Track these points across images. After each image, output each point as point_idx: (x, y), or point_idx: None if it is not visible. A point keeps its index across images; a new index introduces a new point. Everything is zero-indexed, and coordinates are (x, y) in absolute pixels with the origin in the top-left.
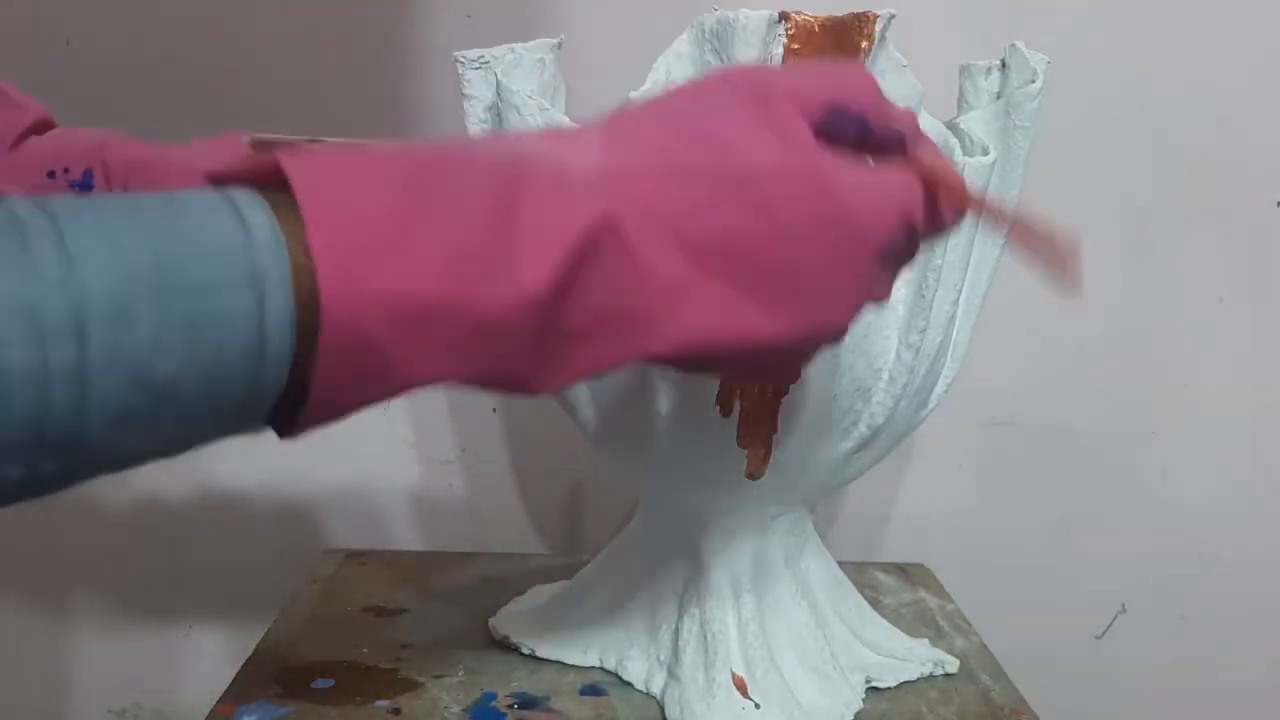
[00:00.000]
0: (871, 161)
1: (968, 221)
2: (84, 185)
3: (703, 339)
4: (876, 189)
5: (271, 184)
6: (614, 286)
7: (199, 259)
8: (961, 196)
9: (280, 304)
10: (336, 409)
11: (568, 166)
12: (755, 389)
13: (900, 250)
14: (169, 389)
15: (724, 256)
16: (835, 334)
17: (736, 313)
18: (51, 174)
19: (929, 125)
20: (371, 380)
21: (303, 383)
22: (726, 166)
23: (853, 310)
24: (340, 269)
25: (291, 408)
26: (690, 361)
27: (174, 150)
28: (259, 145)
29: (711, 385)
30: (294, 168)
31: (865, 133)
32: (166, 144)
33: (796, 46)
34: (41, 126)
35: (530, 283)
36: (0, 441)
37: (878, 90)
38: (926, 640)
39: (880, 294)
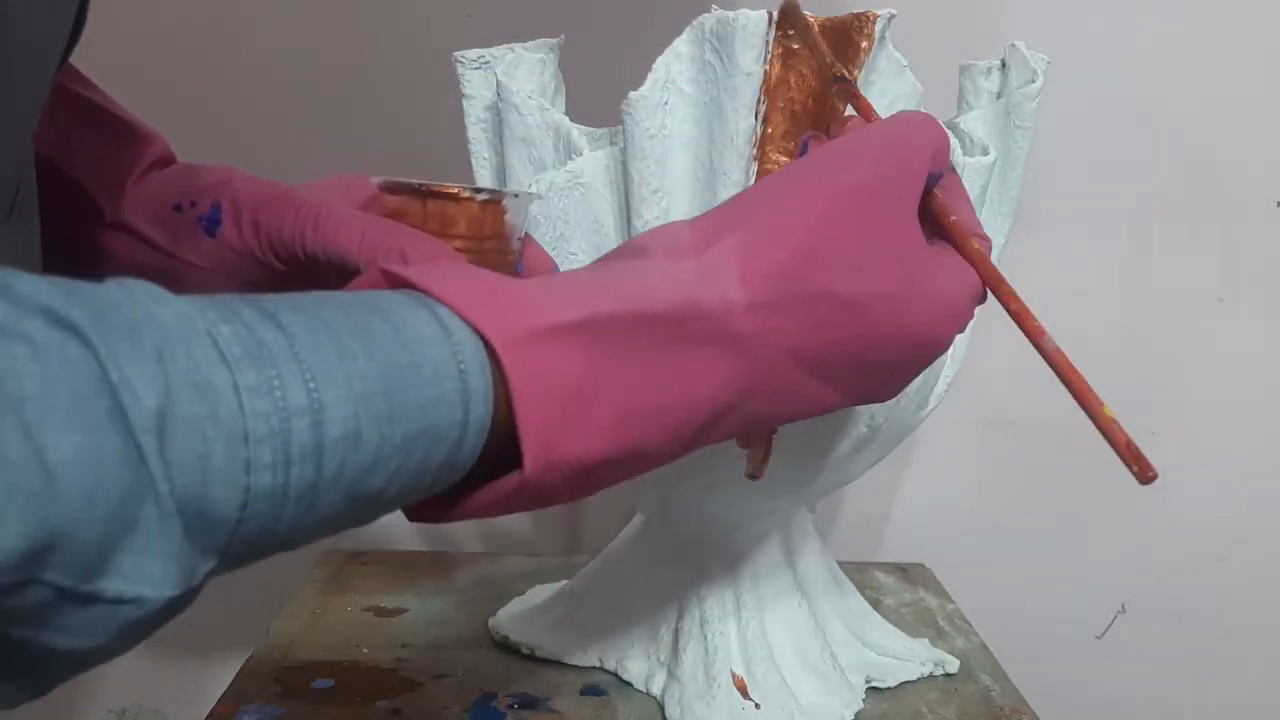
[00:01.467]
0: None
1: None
2: (212, 219)
3: (783, 419)
4: (951, 313)
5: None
6: (744, 411)
7: (419, 381)
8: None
9: (478, 424)
10: (482, 516)
11: (718, 311)
12: None
13: None
14: (374, 499)
15: (826, 363)
16: (886, 399)
17: (819, 397)
18: (178, 207)
19: None
20: (526, 507)
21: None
22: (849, 294)
23: (905, 384)
24: (537, 437)
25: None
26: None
27: (301, 188)
28: (391, 189)
29: None
30: (490, 323)
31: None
32: (292, 184)
33: (797, 47)
34: (166, 161)
35: (688, 431)
36: (215, 549)
37: (948, 149)
38: (926, 640)
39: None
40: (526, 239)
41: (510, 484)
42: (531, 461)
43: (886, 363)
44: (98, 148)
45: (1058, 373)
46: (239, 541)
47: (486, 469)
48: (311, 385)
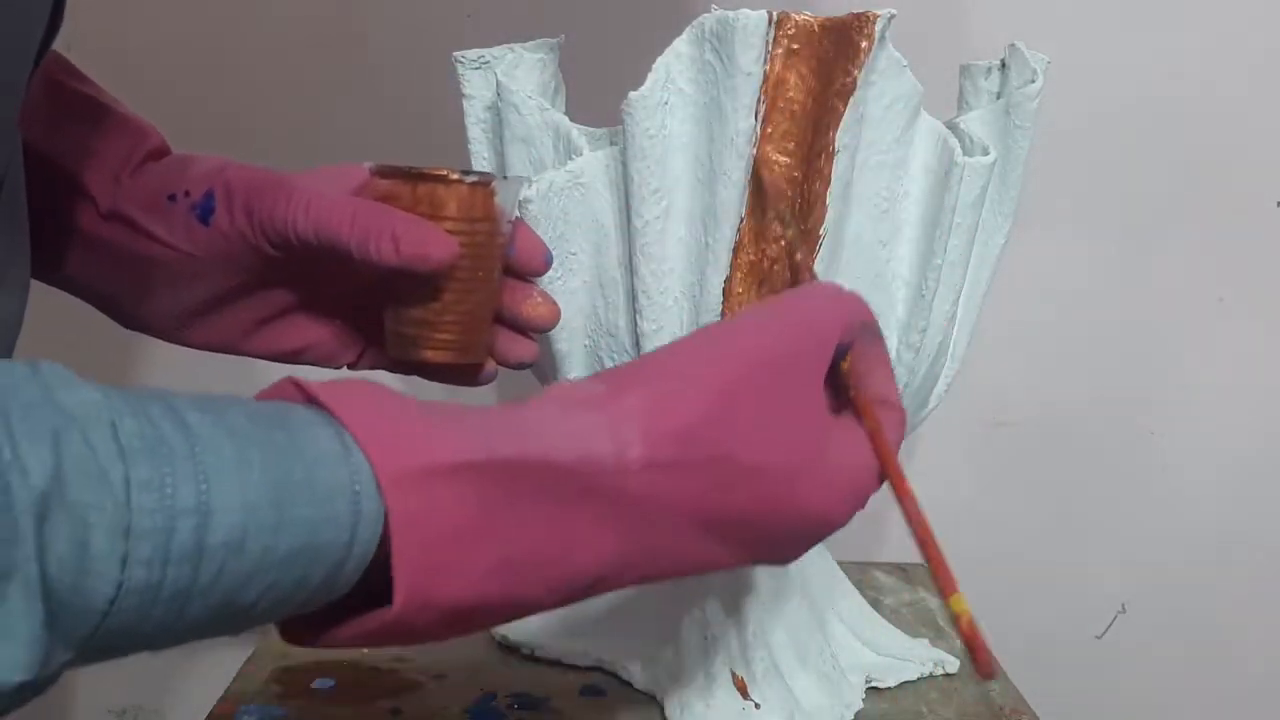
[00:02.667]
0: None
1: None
2: (205, 207)
3: (678, 576)
4: (846, 494)
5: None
6: (634, 572)
7: (311, 498)
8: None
9: (364, 549)
10: (352, 647)
11: (614, 468)
12: None
13: None
14: (245, 610)
15: (722, 526)
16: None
17: (715, 558)
18: (172, 197)
19: (929, 126)
20: (399, 643)
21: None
22: (751, 461)
23: (798, 555)
24: (412, 579)
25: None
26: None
27: (295, 177)
28: (382, 174)
29: None
30: (383, 455)
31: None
32: (286, 171)
33: (796, 47)
34: (160, 152)
35: (568, 589)
36: (76, 639)
37: (862, 317)
38: (926, 640)
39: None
40: (517, 222)
41: (380, 619)
42: (402, 601)
43: (782, 532)
44: (92, 140)
45: (921, 548)
46: (102, 635)
47: (365, 593)
48: (203, 488)
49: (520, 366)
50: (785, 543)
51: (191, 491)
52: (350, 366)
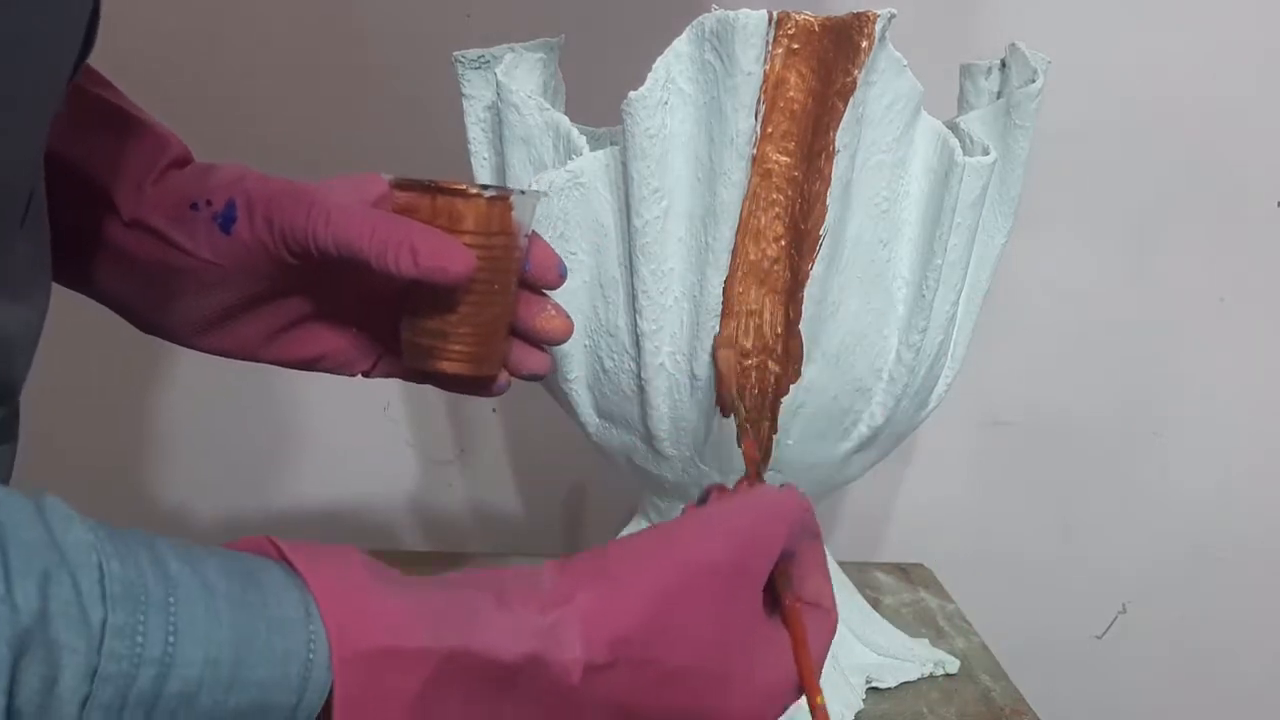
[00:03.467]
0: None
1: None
2: (227, 217)
3: None
4: (771, 701)
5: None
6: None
7: (269, 660)
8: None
9: (307, 713)
10: None
11: (558, 670)
12: (755, 390)
13: None
14: None
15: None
16: None
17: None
18: (194, 206)
19: (929, 126)
20: None
21: None
22: (677, 665)
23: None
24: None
25: None
26: None
27: (315, 187)
28: (401, 186)
29: (711, 386)
30: (339, 629)
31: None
32: (305, 181)
33: (796, 47)
34: (182, 161)
35: None
36: None
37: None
38: (927, 640)
39: None
40: (533, 236)
41: None
42: None
43: None
44: (116, 148)
45: None
46: None
47: None
48: (171, 640)
49: (532, 378)
50: None
51: (160, 641)
52: (365, 375)
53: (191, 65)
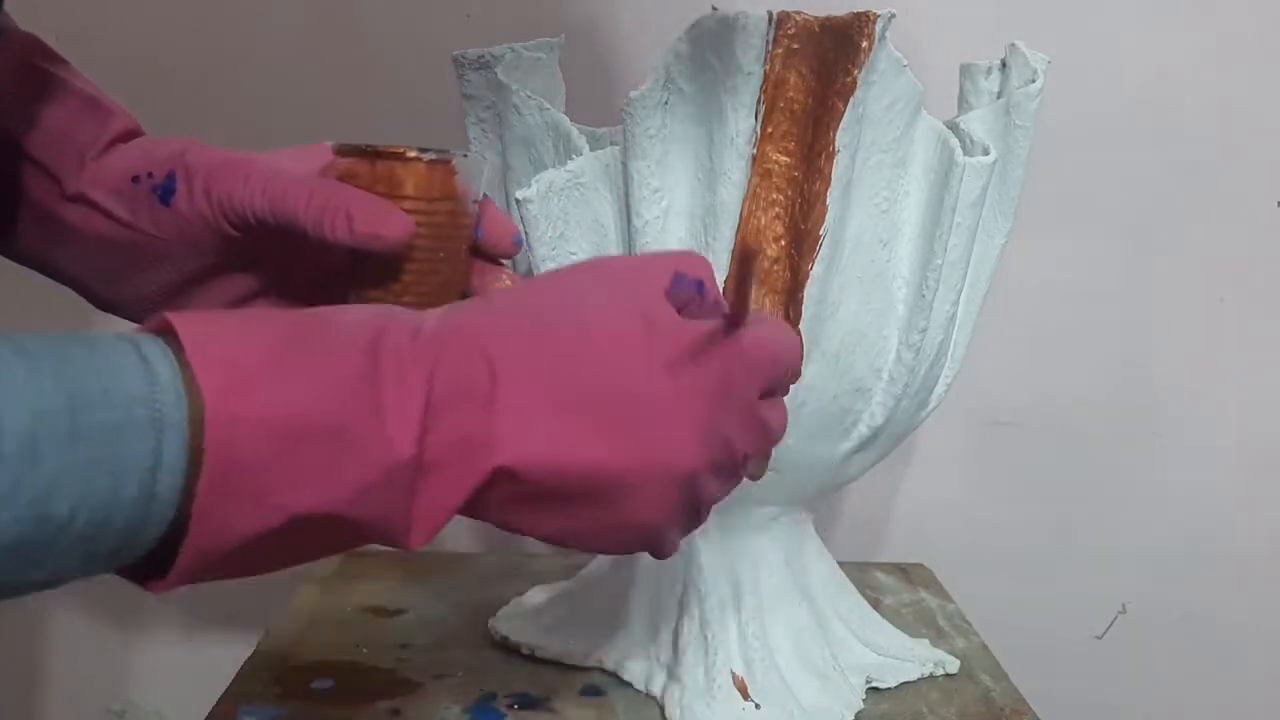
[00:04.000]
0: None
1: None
2: (166, 188)
3: (552, 461)
4: (699, 354)
5: (174, 340)
6: (470, 415)
7: (107, 404)
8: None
9: (176, 446)
10: (217, 539)
11: (427, 320)
12: None
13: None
14: (63, 526)
15: (575, 397)
16: (682, 478)
17: (582, 443)
18: (136, 179)
19: (929, 126)
20: (250, 504)
21: (186, 522)
22: (583, 322)
23: (696, 453)
24: (223, 402)
25: (169, 555)
26: (542, 490)
27: (257, 156)
28: (342, 152)
29: None
30: (183, 324)
31: (703, 295)
32: (250, 150)
33: (796, 47)
34: (129, 135)
35: (397, 437)
36: None
37: (709, 268)
38: (927, 640)
39: (733, 453)
40: (485, 202)
41: (209, 461)
42: (213, 417)
43: (644, 407)
44: (58, 122)
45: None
46: None
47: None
48: None
49: None
50: (659, 414)
51: None
52: None
53: (192, 65)
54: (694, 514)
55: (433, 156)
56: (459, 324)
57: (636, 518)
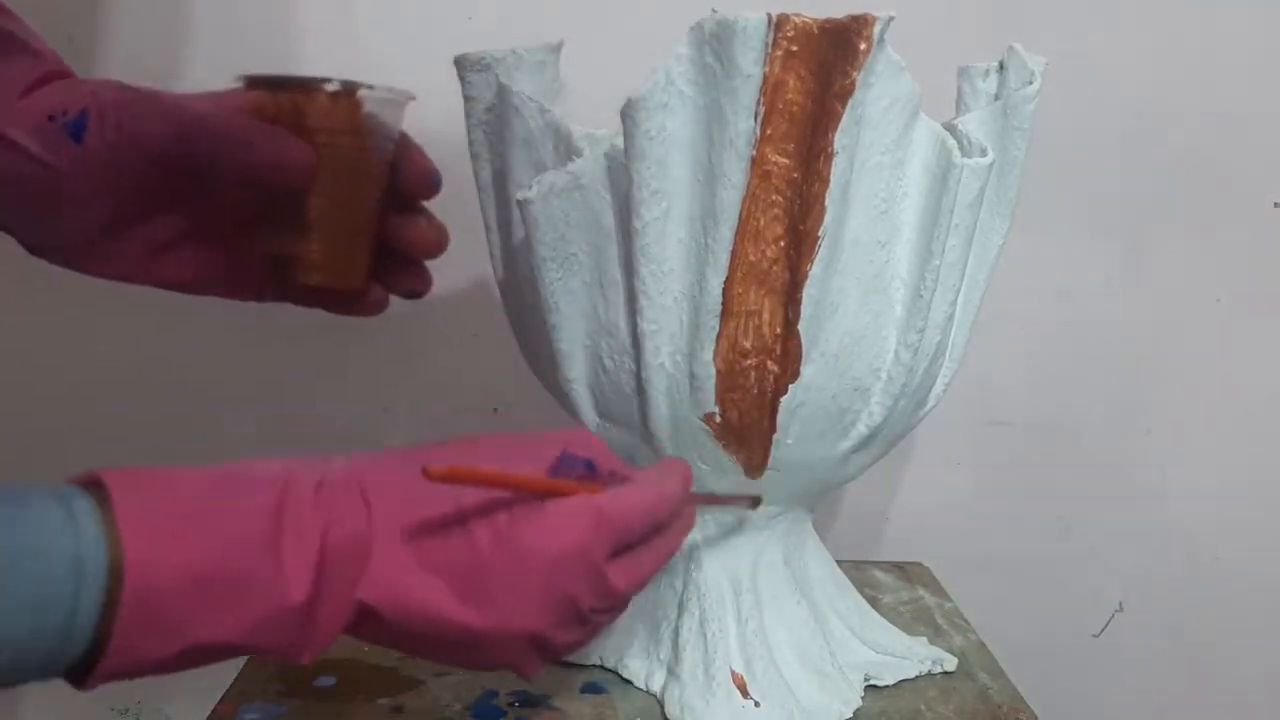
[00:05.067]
0: None
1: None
2: (77, 125)
3: (415, 612)
4: (561, 533)
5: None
6: (354, 564)
7: (36, 558)
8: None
9: (93, 592)
10: (130, 662)
11: (328, 472)
12: (754, 390)
13: (589, 585)
14: None
15: (444, 558)
16: (528, 636)
17: (443, 599)
18: (52, 118)
19: (927, 128)
20: (160, 635)
21: (105, 647)
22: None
23: (540, 616)
24: (141, 547)
25: (93, 666)
26: (404, 630)
27: (169, 94)
28: (251, 84)
29: (710, 386)
30: (113, 478)
31: (594, 472)
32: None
33: (796, 49)
34: (56, 76)
35: (293, 585)
36: None
37: (602, 446)
38: (925, 638)
39: (576, 635)
40: (405, 143)
41: (127, 595)
42: (133, 558)
43: (504, 577)
44: None
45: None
46: None
47: None
48: None
49: (412, 295)
50: (517, 589)
51: None
52: (258, 300)
53: (192, 65)
54: (552, 655)
55: (336, 87)
56: (352, 479)
57: (496, 660)
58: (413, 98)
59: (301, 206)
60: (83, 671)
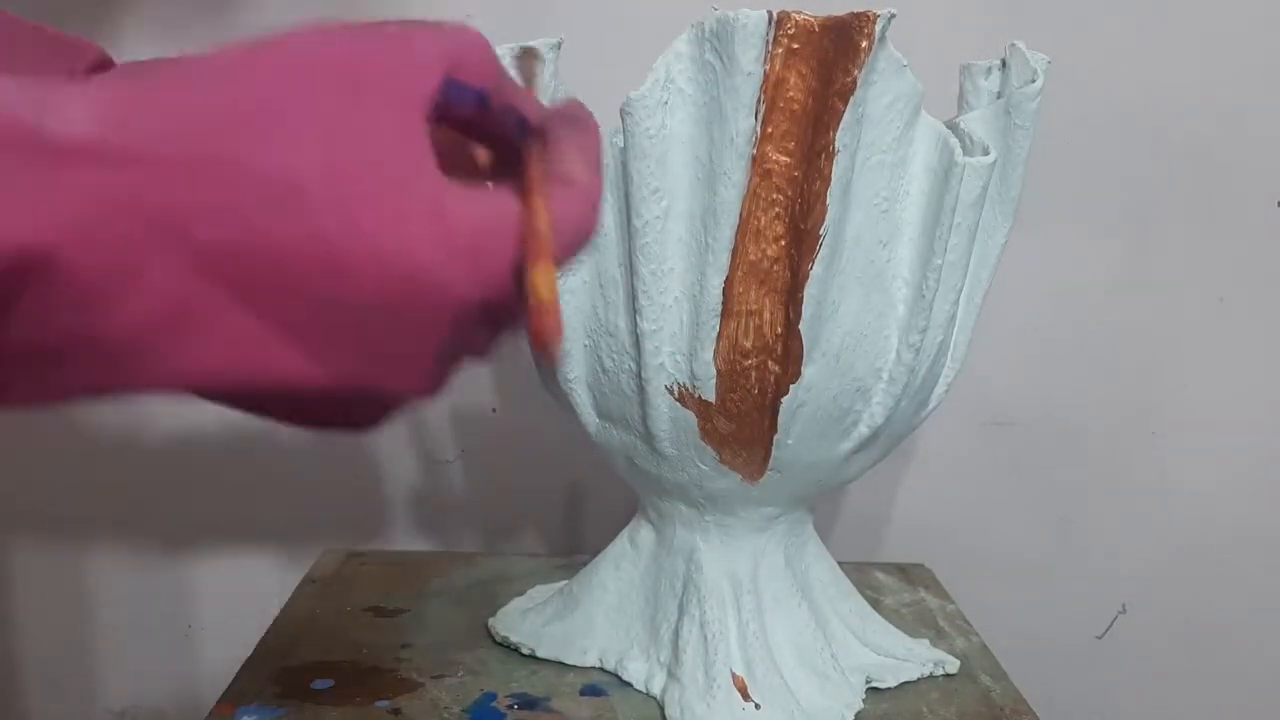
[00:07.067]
0: (484, 157)
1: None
2: None
3: (228, 380)
4: (458, 235)
5: None
6: (88, 305)
7: None
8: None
9: None
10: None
11: (49, 128)
12: (754, 389)
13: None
14: None
15: (255, 281)
16: (412, 390)
17: (269, 352)
18: None
19: (929, 126)
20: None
21: None
22: (277, 168)
23: (429, 368)
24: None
25: None
26: (228, 400)
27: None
28: None
29: (710, 386)
30: None
31: (484, 110)
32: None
33: (796, 47)
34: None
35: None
36: None
37: (496, 62)
38: (927, 640)
39: (475, 349)
40: None
41: None
42: None
43: (358, 304)
44: None
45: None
46: None
47: None
48: None
49: None
50: (378, 314)
51: None
52: None
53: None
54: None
55: None
56: (109, 153)
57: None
58: None
59: None
60: None
